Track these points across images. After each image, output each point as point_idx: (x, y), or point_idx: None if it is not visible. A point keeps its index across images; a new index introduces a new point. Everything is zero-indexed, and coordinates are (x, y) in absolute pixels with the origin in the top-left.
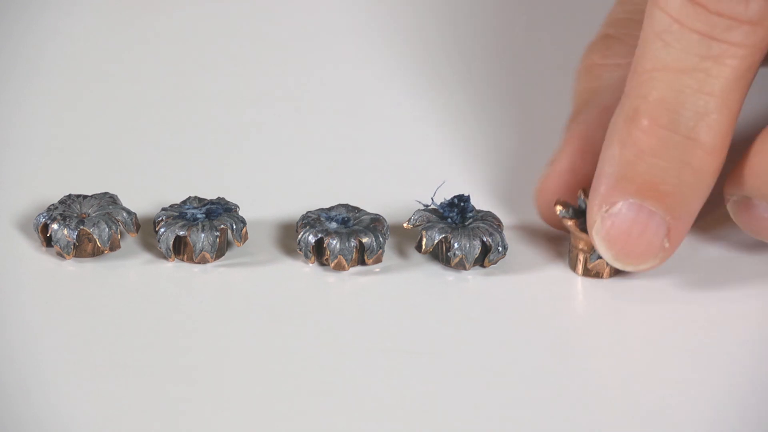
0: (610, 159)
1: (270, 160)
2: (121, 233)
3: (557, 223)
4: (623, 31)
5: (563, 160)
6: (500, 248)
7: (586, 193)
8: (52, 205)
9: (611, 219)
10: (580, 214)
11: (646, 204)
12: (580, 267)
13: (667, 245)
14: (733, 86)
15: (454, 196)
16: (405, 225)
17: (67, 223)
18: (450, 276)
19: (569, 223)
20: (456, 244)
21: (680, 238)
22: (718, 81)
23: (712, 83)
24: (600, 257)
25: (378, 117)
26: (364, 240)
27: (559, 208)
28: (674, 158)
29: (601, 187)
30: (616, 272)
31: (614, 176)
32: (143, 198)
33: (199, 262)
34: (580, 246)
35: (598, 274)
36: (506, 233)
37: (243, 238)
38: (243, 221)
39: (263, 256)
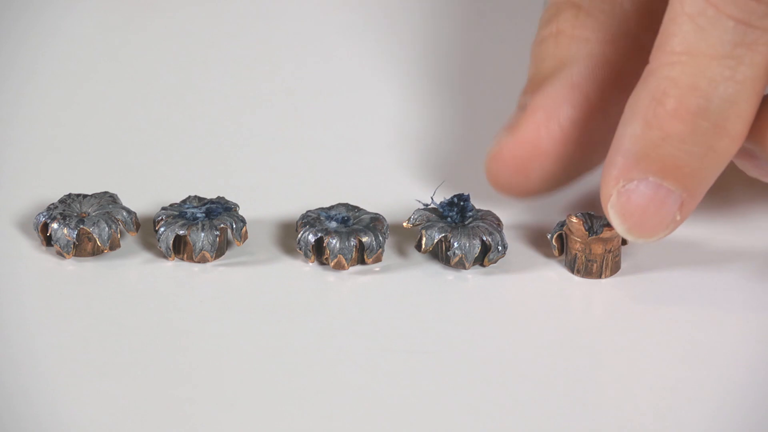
0: (631, 136)
1: (270, 159)
2: (121, 232)
3: (508, 191)
4: (592, 4)
5: (527, 129)
6: (500, 247)
7: (584, 217)
8: (52, 204)
9: (628, 194)
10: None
11: (666, 183)
12: (609, 269)
13: (678, 218)
14: (763, 73)
15: (454, 196)
16: (405, 224)
17: (66, 222)
18: (450, 275)
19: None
20: (456, 244)
21: (691, 210)
22: (750, 69)
23: (744, 71)
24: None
25: (378, 117)
26: (364, 239)
27: (574, 221)
28: (700, 144)
29: (618, 162)
30: (615, 271)
31: (635, 154)
32: (143, 197)
33: (198, 262)
34: (608, 248)
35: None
36: (506, 232)
37: (243, 237)
38: (243, 220)
39: (263, 255)
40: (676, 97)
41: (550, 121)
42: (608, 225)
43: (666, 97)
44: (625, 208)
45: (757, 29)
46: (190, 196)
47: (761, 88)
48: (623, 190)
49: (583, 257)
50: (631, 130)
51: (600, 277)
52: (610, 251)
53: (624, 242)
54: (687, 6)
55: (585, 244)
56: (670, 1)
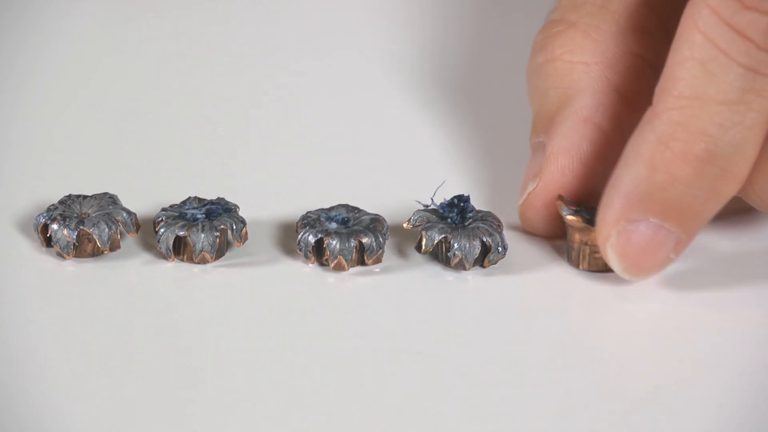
0: (634, 178)
1: (270, 160)
2: (121, 233)
3: (545, 233)
4: (587, 21)
5: (552, 175)
6: (500, 248)
7: (563, 200)
8: (52, 205)
9: (628, 235)
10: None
11: (667, 225)
12: (585, 262)
13: (673, 257)
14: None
15: (454, 196)
16: (405, 225)
17: (67, 223)
18: (450, 276)
19: (574, 218)
20: (456, 245)
21: (684, 249)
22: (758, 115)
23: (753, 117)
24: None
25: (378, 117)
26: (364, 240)
27: (560, 204)
28: (706, 188)
29: (619, 202)
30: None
31: (639, 195)
32: (143, 198)
33: (199, 263)
34: (585, 240)
35: (601, 267)
36: (506, 233)
37: (243, 238)
38: (243, 221)
39: (263, 256)
40: (684, 141)
41: (572, 163)
42: (573, 213)
43: (673, 141)
44: (624, 249)
45: (766, 76)
46: (190, 197)
47: (765, 132)
48: (623, 231)
49: (567, 241)
50: (635, 172)
51: (577, 267)
52: (586, 244)
53: None
54: (696, 51)
55: (568, 227)
56: (676, 45)
